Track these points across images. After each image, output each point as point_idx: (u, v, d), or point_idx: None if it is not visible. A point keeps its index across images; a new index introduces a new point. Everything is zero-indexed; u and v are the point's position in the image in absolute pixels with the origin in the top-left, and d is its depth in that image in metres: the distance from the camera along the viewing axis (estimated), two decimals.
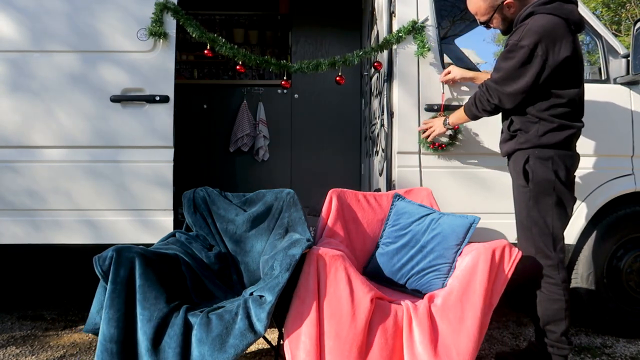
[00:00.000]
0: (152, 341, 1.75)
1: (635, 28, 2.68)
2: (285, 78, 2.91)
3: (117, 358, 1.75)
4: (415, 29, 2.72)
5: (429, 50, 2.70)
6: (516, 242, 2.29)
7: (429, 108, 2.73)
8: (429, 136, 2.62)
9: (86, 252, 2.59)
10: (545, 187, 2.11)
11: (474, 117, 2.36)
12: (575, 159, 2.19)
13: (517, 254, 1.98)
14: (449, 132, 2.71)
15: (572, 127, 2.13)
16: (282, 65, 2.73)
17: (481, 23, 2.35)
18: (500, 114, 2.34)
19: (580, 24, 2.14)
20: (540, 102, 2.12)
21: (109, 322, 1.77)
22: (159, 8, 2.61)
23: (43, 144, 2.61)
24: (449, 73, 2.68)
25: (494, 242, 2.03)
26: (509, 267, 1.97)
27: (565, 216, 2.16)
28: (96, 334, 1.87)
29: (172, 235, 2.45)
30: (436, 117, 2.67)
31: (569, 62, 2.08)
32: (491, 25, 2.33)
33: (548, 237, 2.13)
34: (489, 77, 2.31)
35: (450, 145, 2.70)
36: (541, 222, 2.13)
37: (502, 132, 2.35)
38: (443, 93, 2.72)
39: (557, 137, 2.11)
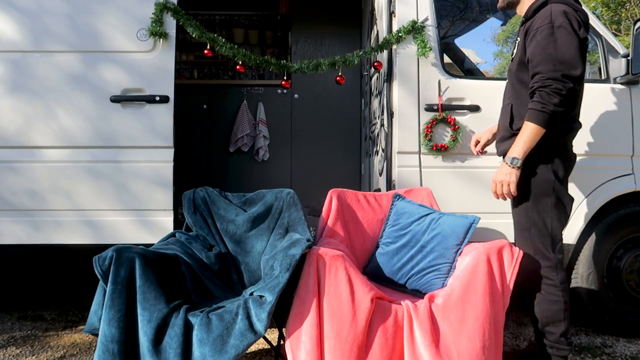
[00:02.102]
0: (153, 341, 1.75)
1: (635, 28, 2.68)
2: (285, 78, 2.92)
3: (118, 358, 1.75)
4: (415, 29, 2.72)
5: (430, 50, 2.70)
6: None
7: (429, 108, 2.73)
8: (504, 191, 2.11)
9: (86, 252, 2.60)
10: (545, 187, 2.11)
11: (547, 122, 1.99)
12: (572, 159, 2.18)
13: (519, 253, 1.98)
14: (450, 132, 2.71)
15: (572, 128, 2.13)
16: (282, 65, 2.74)
17: None
18: (505, 112, 2.25)
19: (587, 24, 2.13)
20: None
21: (109, 322, 1.77)
22: (159, 8, 2.61)
23: (43, 144, 2.61)
24: (508, 184, 2.07)
25: (494, 242, 2.03)
26: (512, 267, 1.96)
27: (564, 217, 2.16)
28: (95, 334, 1.87)
29: (172, 235, 2.45)
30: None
31: (581, 51, 2.06)
32: None
33: (547, 238, 2.12)
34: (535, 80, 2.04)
35: (451, 146, 2.70)
36: (540, 223, 2.12)
37: (498, 130, 2.33)
38: (440, 95, 2.72)
39: (558, 137, 2.11)
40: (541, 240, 2.12)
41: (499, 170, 2.10)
